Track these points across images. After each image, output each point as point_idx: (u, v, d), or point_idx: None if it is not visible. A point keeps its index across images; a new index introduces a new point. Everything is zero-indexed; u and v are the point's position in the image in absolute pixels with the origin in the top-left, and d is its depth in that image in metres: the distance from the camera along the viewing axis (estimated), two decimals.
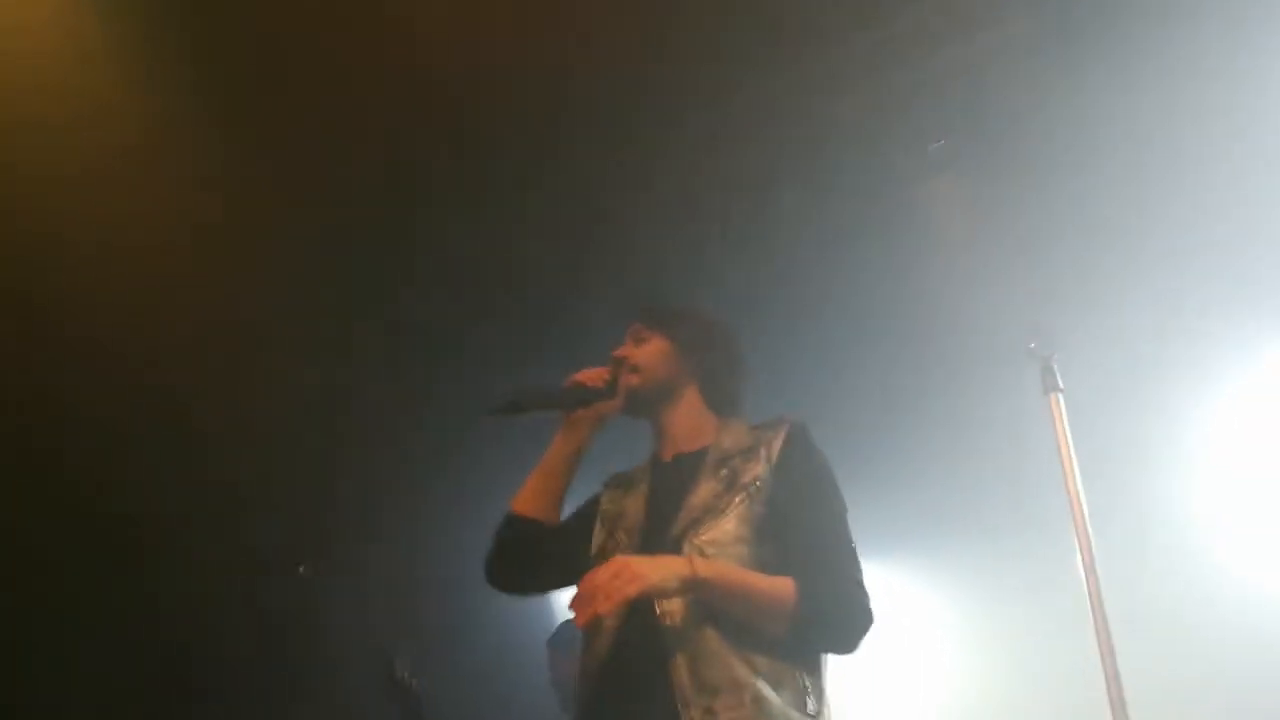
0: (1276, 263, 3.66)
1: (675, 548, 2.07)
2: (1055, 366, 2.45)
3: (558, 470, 2.35)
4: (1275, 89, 3.17)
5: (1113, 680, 1.98)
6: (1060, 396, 2.40)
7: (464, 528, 5.04)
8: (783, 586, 1.98)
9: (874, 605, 2.00)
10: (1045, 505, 2.61)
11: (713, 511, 2.12)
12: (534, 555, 2.34)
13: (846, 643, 2.05)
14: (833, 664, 2.06)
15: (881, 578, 5.83)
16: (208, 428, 4.02)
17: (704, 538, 2.06)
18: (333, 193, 3.61)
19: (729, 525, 2.08)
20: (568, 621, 4.33)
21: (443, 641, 4.81)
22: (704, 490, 2.17)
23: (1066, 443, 2.31)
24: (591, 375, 2.32)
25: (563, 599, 5.77)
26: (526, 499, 2.34)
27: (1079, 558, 2.18)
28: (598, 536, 2.29)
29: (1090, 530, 2.19)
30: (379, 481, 4.58)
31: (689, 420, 2.32)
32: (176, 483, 4.01)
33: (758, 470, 2.14)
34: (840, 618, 2.02)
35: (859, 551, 2.05)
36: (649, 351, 2.34)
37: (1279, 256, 3.65)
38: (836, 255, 3.79)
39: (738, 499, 2.11)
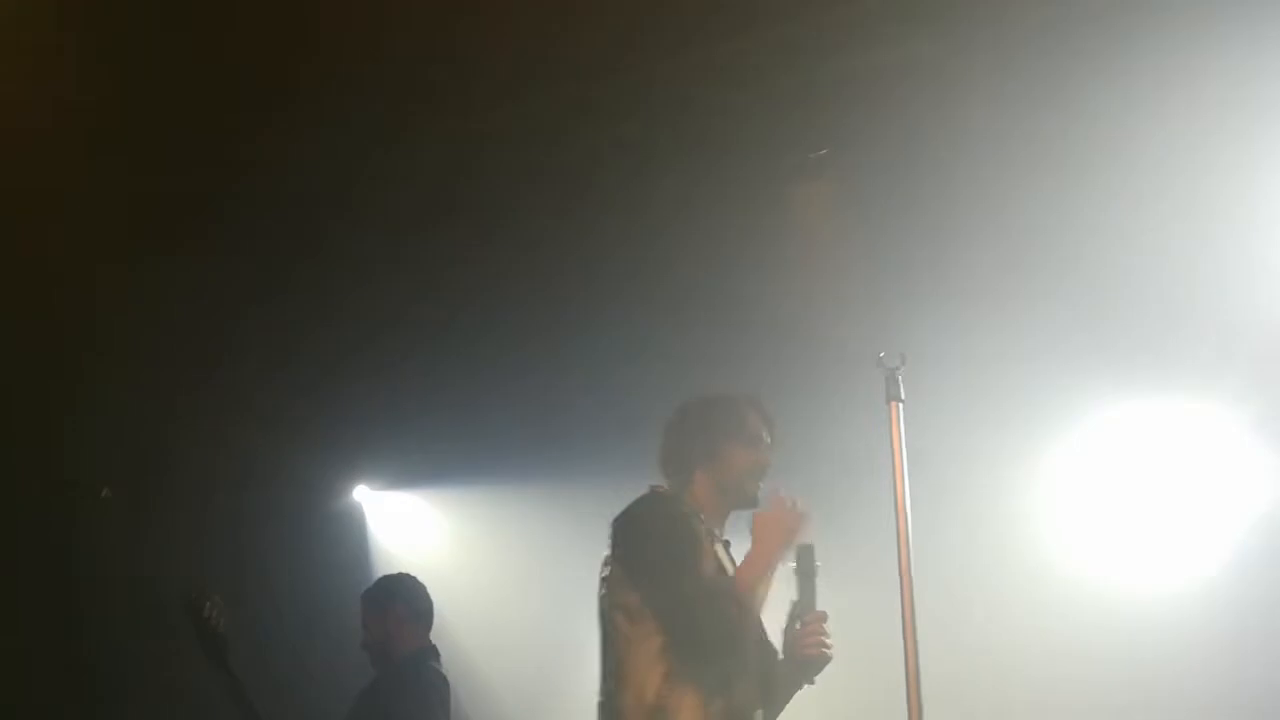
0: (1124, 293, 3.87)
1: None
2: (900, 377, 2.55)
3: None
4: (1147, 125, 3.34)
5: (913, 678, 2.07)
6: (900, 406, 2.50)
7: (279, 463, 5.00)
8: None
9: None
10: (874, 508, 2.71)
11: None
12: None
13: None
14: None
15: None
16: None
17: None
18: None
19: None
20: (388, 577, 4.31)
21: (254, 584, 4.71)
22: None
23: (900, 449, 2.40)
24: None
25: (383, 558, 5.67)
26: None
27: (899, 560, 2.27)
28: None
29: (911, 533, 2.29)
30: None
31: None
32: None
33: None
34: None
35: None
36: None
37: (1129, 288, 3.86)
38: (705, 246, 3.84)
39: None
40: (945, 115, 3.42)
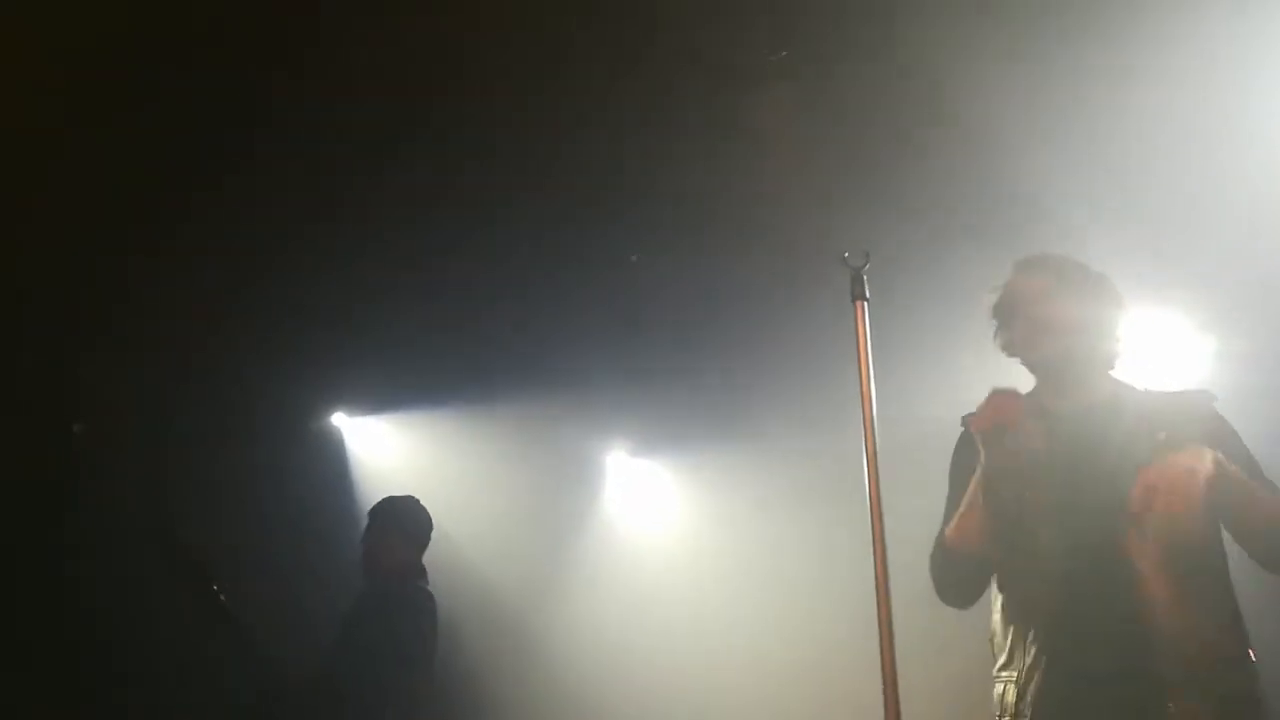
0: (1091, 204, 3.86)
1: None
2: (865, 276, 2.55)
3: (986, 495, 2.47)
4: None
5: (881, 582, 2.10)
6: (865, 305, 2.50)
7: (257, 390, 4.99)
8: None
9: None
10: (842, 410, 2.73)
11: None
12: (986, 582, 2.53)
13: None
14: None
15: (665, 473, 6.16)
16: None
17: None
18: None
19: None
20: (386, 499, 4.33)
21: (236, 508, 4.74)
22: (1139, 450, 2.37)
23: (865, 348, 2.41)
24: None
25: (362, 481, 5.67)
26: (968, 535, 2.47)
27: (865, 461, 2.30)
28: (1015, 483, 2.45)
29: (878, 435, 2.31)
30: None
31: None
32: None
33: None
34: None
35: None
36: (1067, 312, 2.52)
37: (1096, 199, 3.84)
38: (664, 148, 3.79)
39: None
40: (914, 19, 3.37)
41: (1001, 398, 2.49)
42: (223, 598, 3.32)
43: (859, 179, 3.75)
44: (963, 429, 2.62)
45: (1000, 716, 2.48)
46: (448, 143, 3.90)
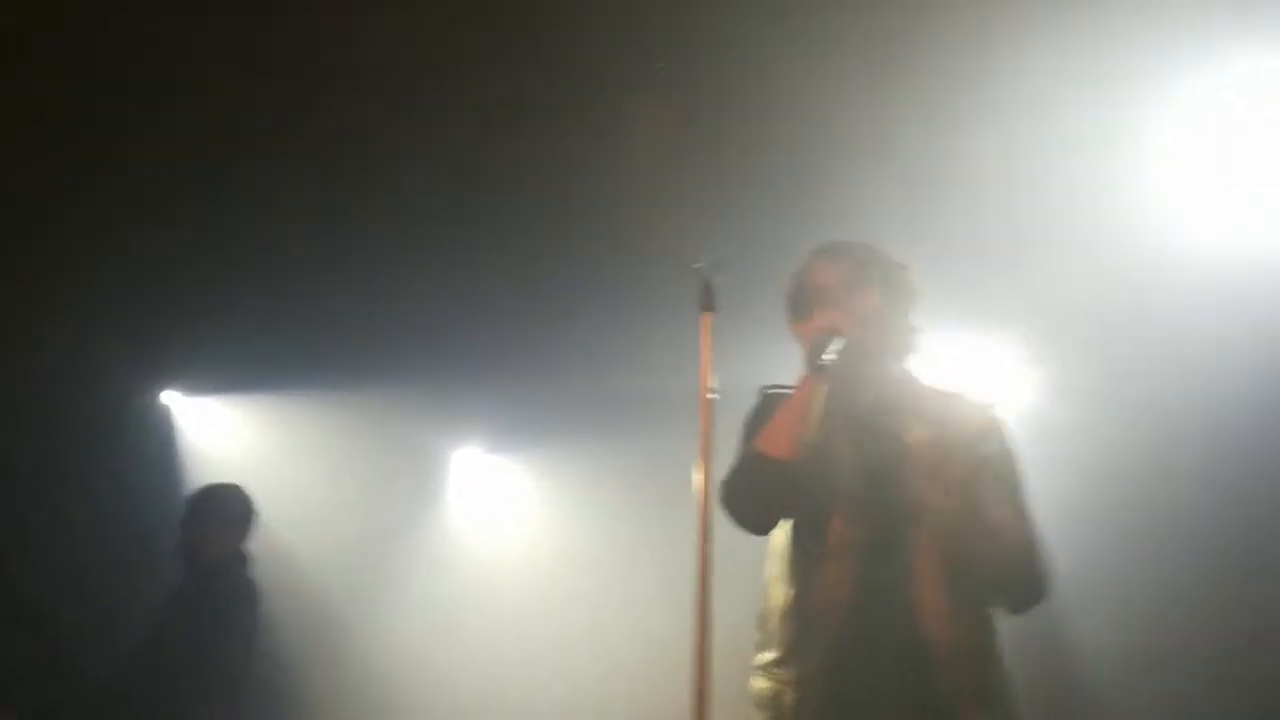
0: (946, 218, 3.95)
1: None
2: (714, 288, 2.57)
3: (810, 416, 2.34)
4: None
5: (703, 580, 2.10)
6: (712, 316, 2.52)
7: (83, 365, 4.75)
8: None
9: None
10: (681, 419, 2.74)
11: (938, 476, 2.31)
12: (796, 500, 2.38)
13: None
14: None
15: (517, 470, 6.14)
16: None
17: None
18: None
19: None
20: (204, 486, 4.16)
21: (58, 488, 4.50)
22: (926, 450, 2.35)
23: (708, 359, 2.43)
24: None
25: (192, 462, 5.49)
26: (782, 444, 2.32)
27: (700, 468, 2.31)
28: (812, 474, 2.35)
29: (714, 445, 2.33)
30: None
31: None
32: None
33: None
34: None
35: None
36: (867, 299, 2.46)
37: (951, 212, 3.94)
38: (526, 148, 3.76)
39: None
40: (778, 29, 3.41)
41: (830, 314, 2.43)
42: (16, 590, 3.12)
43: (717, 189, 3.79)
44: (760, 397, 2.57)
45: (769, 719, 2.36)
46: (305, 130, 3.77)
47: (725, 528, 2.37)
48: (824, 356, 2.34)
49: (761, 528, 2.43)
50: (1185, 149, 3.53)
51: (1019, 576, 2.38)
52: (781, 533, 2.49)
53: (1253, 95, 3.35)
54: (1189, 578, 4.23)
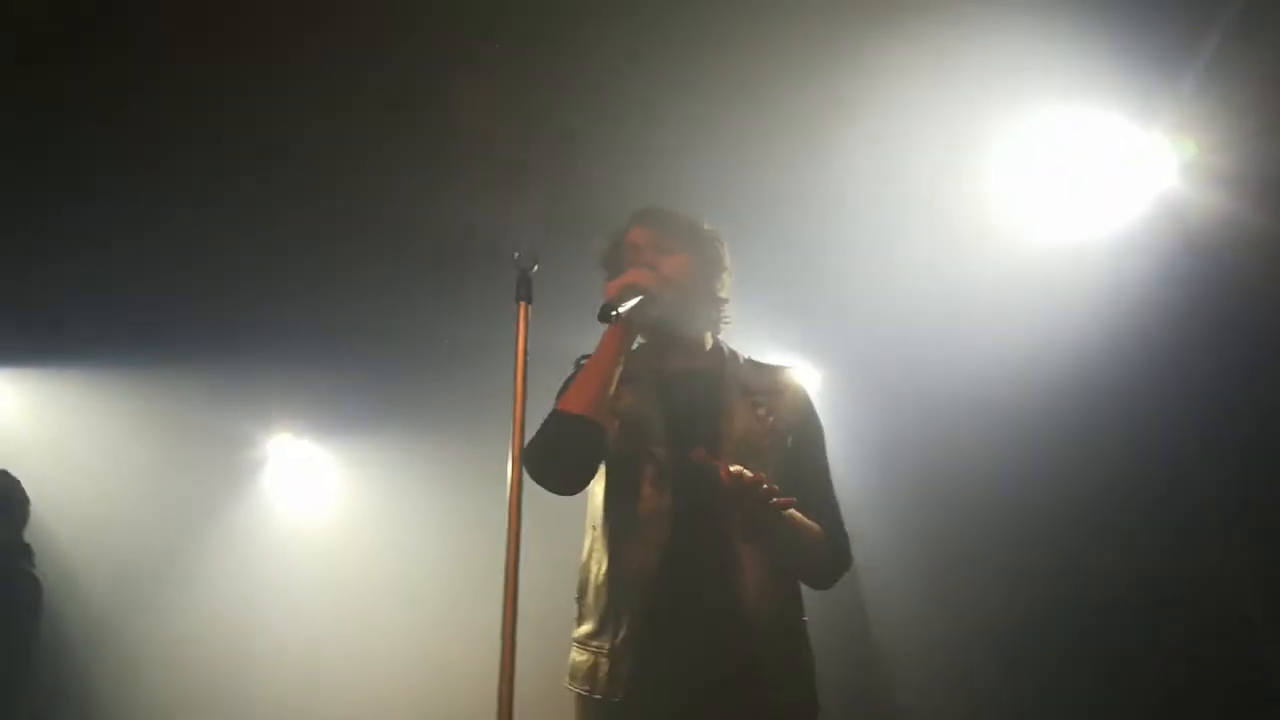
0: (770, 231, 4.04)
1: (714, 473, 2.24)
2: (531, 278, 2.55)
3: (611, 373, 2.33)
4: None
5: (511, 582, 2.08)
6: (529, 306, 2.50)
7: None
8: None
9: None
10: (496, 407, 2.72)
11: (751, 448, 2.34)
12: (597, 456, 2.37)
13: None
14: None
15: (330, 458, 5.99)
16: None
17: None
18: None
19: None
20: None
21: None
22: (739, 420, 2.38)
23: (523, 347, 2.41)
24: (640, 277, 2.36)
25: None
26: (582, 401, 2.30)
27: (510, 461, 2.29)
28: (622, 441, 2.35)
29: (524, 436, 2.31)
30: None
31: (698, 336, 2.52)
32: None
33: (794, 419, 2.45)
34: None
35: None
36: (677, 263, 2.47)
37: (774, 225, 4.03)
38: (343, 131, 3.65)
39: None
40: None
41: (633, 272, 2.43)
42: None
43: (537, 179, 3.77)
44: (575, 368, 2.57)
45: (585, 691, 2.34)
46: (127, 105, 3.55)
47: (550, 507, 2.37)
48: (621, 308, 2.34)
49: (565, 487, 2.40)
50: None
51: (824, 550, 2.45)
52: (599, 505, 2.49)
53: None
54: (977, 569, 4.47)
